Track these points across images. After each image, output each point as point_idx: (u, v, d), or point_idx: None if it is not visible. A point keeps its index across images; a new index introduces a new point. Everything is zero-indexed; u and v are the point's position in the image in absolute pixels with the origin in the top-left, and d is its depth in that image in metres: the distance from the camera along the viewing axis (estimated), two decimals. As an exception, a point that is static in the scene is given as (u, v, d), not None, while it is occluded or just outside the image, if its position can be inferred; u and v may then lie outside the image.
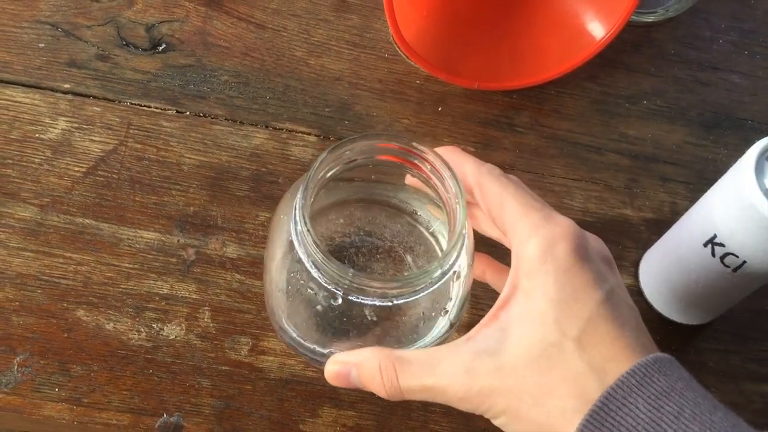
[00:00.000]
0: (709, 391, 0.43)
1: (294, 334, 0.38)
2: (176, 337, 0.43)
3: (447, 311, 0.38)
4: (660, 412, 0.28)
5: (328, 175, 0.37)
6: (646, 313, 0.46)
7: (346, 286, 0.33)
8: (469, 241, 0.37)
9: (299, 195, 0.34)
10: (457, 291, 0.38)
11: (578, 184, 0.50)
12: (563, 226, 0.32)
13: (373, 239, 0.43)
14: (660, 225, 0.48)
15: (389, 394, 0.32)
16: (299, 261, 0.35)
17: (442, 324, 0.38)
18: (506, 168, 0.49)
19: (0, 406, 0.40)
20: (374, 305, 0.35)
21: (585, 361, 0.29)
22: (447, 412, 0.42)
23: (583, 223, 0.47)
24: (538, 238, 0.31)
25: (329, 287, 0.34)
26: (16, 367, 0.41)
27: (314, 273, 0.34)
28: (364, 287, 0.33)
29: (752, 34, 0.57)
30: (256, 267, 0.45)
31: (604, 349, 0.29)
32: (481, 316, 0.44)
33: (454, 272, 0.36)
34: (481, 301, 0.45)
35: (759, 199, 0.35)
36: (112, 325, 0.43)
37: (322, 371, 0.41)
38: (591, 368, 0.29)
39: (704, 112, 0.53)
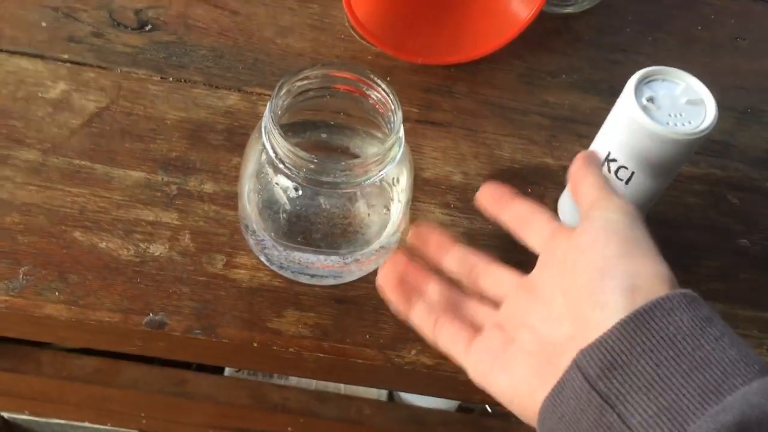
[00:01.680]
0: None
1: (262, 234, 0.46)
2: (160, 254, 0.49)
3: (389, 210, 0.45)
4: (702, 331, 0.32)
5: (287, 101, 0.45)
6: (563, 239, 0.54)
7: (306, 173, 0.41)
8: (407, 162, 0.46)
9: (269, 104, 0.42)
10: (397, 196, 0.46)
11: (507, 138, 0.58)
12: (620, 197, 0.40)
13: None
14: (575, 170, 0.56)
15: None
16: (267, 161, 0.42)
17: (385, 221, 0.46)
18: (446, 126, 0.58)
19: (7, 306, 0.46)
20: (329, 192, 0.42)
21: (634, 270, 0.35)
22: (393, 315, 0.49)
23: (512, 169, 0.56)
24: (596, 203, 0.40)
25: (292, 176, 0.41)
26: (21, 276, 0.47)
27: (279, 165, 0.42)
28: (322, 172, 0.41)
29: (656, 23, 0.67)
30: (229, 200, 0.52)
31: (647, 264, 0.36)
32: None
33: (393, 178, 0.45)
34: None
35: (637, 114, 0.44)
36: (104, 244, 0.49)
37: (286, 282, 0.49)
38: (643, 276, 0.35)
39: (614, 84, 0.62)
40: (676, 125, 0.44)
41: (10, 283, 0.47)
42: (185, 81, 0.57)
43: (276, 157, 0.42)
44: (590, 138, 0.58)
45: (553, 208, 0.55)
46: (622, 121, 0.45)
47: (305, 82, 0.45)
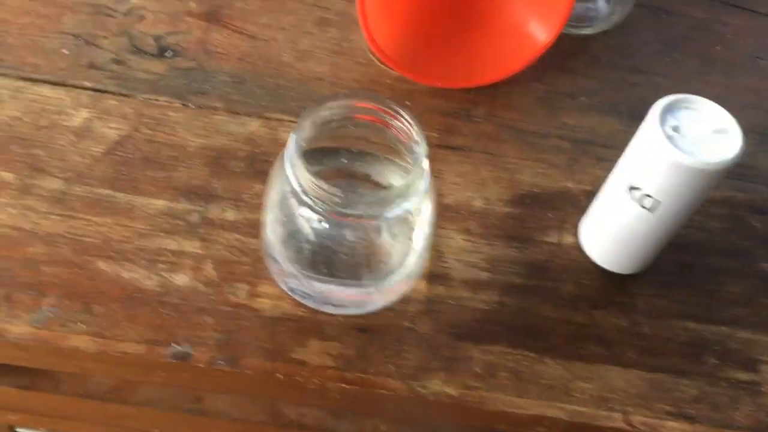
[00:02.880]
0: (640, 327, 0.51)
1: (285, 265, 0.46)
2: (183, 284, 0.50)
3: (412, 240, 0.46)
4: None
5: (312, 131, 0.45)
6: (585, 264, 0.54)
7: (330, 205, 0.41)
8: (432, 194, 0.46)
9: (292, 135, 0.42)
10: (421, 230, 0.46)
11: (527, 162, 0.58)
12: None
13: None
14: (596, 194, 0.56)
15: None
16: (291, 192, 0.42)
17: (408, 251, 0.46)
18: (465, 150, 0.58)
19: (31, 338, 0.47)
20: (354, 224, 0.42)
21: None
22: (417, 344, 0.49)
23: (532, 194, 0.56)
24: None
25: (316, 208, 0.42)
26: (45, 308, 0.48)
27: (303, 198, 0.42)
28: (346, 205, 0.41)
29: (674, 44, 0.67)
30: (251, 228, 0.52)
31: None
32: (446, 267, 0.52)
33: (417, 209, 0.45)
34: (444, 256, 0.53)
35: (663, 143, 0.44)
36: (128, 274, 0.50)
37: (309, 311, 0.49)
38: None
39: (633, 106, 0.62)
40: (702, 155, 0.44)
41: (34, 315, 0.47)
42: (206, 107, 0.58)
43: (300, 189, 0.42)
44: (610, 161, 0.58)
45: (574, 233, 0.55)
46: (647, 150, 0.45)
47: (328, 112, 0.45)
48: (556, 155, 0.59)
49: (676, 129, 0.45)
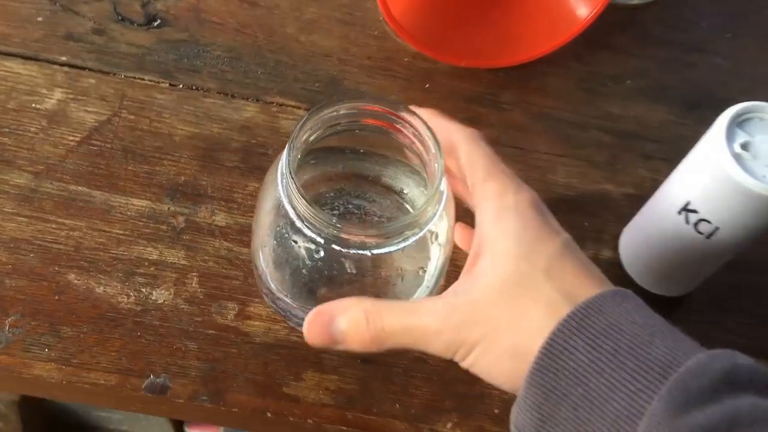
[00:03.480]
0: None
1: (279, 293, 0.40)
2: (164, 301, 0.44)
3: (425, 271, 0.39)
4: (598, 351, 0.29)
5: (313, 137, 0.38)
6: (624, 285, 0.46)
7: (328, 234, 0.34)
8: (449, 208, 0.39)
9: (285, 150, 0.35)
10: (436, 253, 0.39)
11: (561, 159, 0.51)
12: (526, 189, 0.34)
13: (360, 213, 0.44)
14: (640, 200, 0.48)
15: (372, 338, 0.33)
16: (284, 215, 0.36)
17: (419, 283, 0.39)
18: (492, 143, 0.51)
19: (-9, 364, 0.41)
20: (355, 255, 0.36)
21: (555, 288, 0.31)
22: (427, 378, 0.43)
23: (565, 198, 0.49)
24: (503, 195, 0.34)
25: (313, 236, 0.35)
26: (7, 328, 0.42)
27: (298, 224, 0.35)
28: (346, 235, 0.34)
29: (734, 17, 0.58)
30: (244, 235, 0.46)
31: (571, 279, 0.31)
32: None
33: (432, 232, 0.38)
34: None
35: (729, 163, 0.36)
36: (102, 288, 0.44)
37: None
38: (561, 293, 0.31)
39: (686, 91, 0.54)
40: (776, 182, 0.36)
41: (-5, 336, 0.42)
42: (197, 89, 0.51)
43: (295, 215, 0.36)
44: (658, 159, 0.50)
45: (613, 246, 0.48)
46: (710, 168, 0.38)
47: (332, 115, 0.38)
48: (596, 151, 0.51)
49: (745, 146, 0.37)
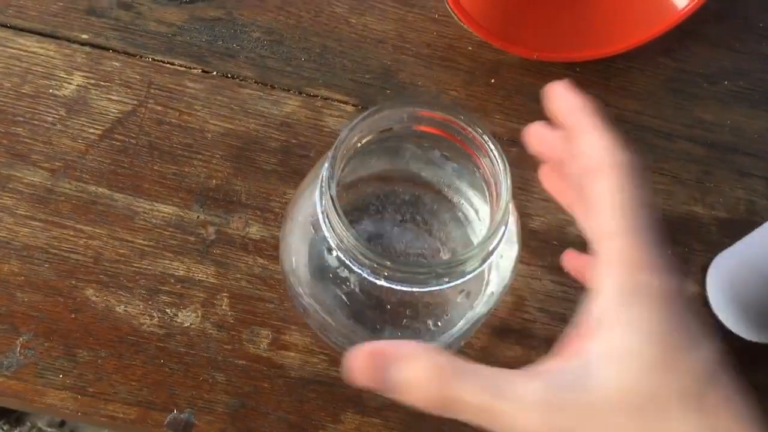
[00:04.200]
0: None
1: (312, 309, 0.35)
2: (191, 324, 0.39)
3: (475, 299, 0.34)
4: None
5: (360, 144, 0.32)
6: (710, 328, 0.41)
7: (384, 273, 0.29)
8: (512, 229, 0.33)
9: (327, 164, 0.30)
10: (494, 281, 0.34)
11: (644, 174, 0.44)
12: (675, 269, 0.26)
13: (409, 222, 0.39)
14: (734, 226, 0.42)
15: (437, 401, 0.26)
16: (322, 236, 0.31)
17: (465, 313, 0.34)
18: (564, 152, 0.44)
19: (0, 390, 0.37)
20: (400, 292, 0.30)
21: (702, 425, 0.24)
22: (482, 424, 0.38)
23: (646, 220, 0.42)
24: (641, 268, 0.25)
25: (352, 266, 0.30)
26: (18, 349, 0.38)
27: (340, 255, 0.30)
28: (401, 273, 0.29)
29: None
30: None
31: (724, 415, 0.24)
32: (526, 320, 0.40)
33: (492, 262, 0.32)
34: (527, 302, 0.41)
35: None
36: (122, 307, 0.39)
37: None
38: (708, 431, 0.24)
39: (793, 97, 0.47)
40: None
41: (5, 359, 0.38)
42: (232, 77, 0.45)
43: (333, 240, 0.30)
44: (758, 177, 0.44)
45: (699, 279, 0.42)
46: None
47: (383, 122, 0.32)
48: (684, 165, 0.45)
49: None
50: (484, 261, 0.30)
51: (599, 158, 0.27)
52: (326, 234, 0.31)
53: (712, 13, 0.48)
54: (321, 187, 0.31)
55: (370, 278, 0.30)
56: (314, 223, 0.32)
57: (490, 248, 0.30)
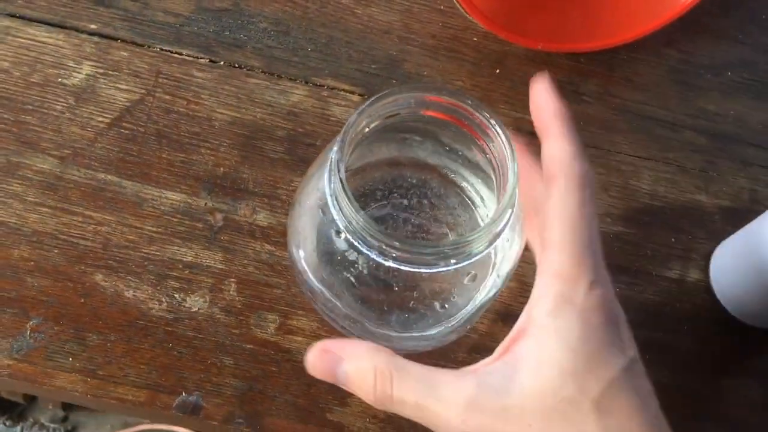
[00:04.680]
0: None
1: (320, 292, 0.35)
2: (199, 309, 0.40)
3: (482, 283, 0.34)
4: None
5: (368, 129, 0.33)
6: (714, 313, 0.41)
7: (393, 254, 0.30)
8: (519, 214, 0.34)
9: (336, 146, 0.30)
10: (499, 268, 0.34)
11: (648, 163, 0.45)
12: (602, 284, 0.28)
13: (417, 206, 0.39)
14: (737, 215, 0.43)
15: (377, 400, 0.29)
16: (331, 219, 0.31)
17: (472, 296, 0.34)
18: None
19: (10, 373, 0.38)
20: (408, 273, 0.31)
21: (601, 427, 0.26)
22: (487, 409, 0.39)
23: (650, 209, 0.43)
24: (573, 283, 0.27)
25: (360, 248, 0.30)
26: (28, 332, 0.38)
27: (351, 238, 0.30)
28: (399, 253, 0.29)
29: None
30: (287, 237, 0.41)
31: (622, 420, 0.26)
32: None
33: (496, 248, 0.33)
34: (530, 288, 0.41)
35: None
36: (131, 292, 0.40)
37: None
38: None
39: (796, 88, 0.47)
40: None
41: (15, 342, 0.38)
42: (240, 66, 0.45)
43: (342, 222, 0.31)
44: (761, 167, 0.44)
45: (703, 267, 0.42)
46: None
47: (391, 106, 0.33)
48: (689, 155, 0.45)
49: None
50: (490, 243, 0.31)
51: (558, 166, 0.29)
52: (335, 216, 0.31)
53: (716, 4, 0.49)
54: (330, 170, 0.31)
55: (379, 260, 0.30)
56: (323, 206, 0.33)
57: (497, 230, 0.30)
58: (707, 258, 0.42)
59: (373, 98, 0.31)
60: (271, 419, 0.38)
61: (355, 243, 0.31)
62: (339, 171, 0.30)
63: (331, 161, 0.31)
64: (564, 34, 0.46)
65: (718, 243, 0.42)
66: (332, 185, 0.31)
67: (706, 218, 0.43)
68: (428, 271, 0.31)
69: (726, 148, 0.45)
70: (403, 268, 0.30)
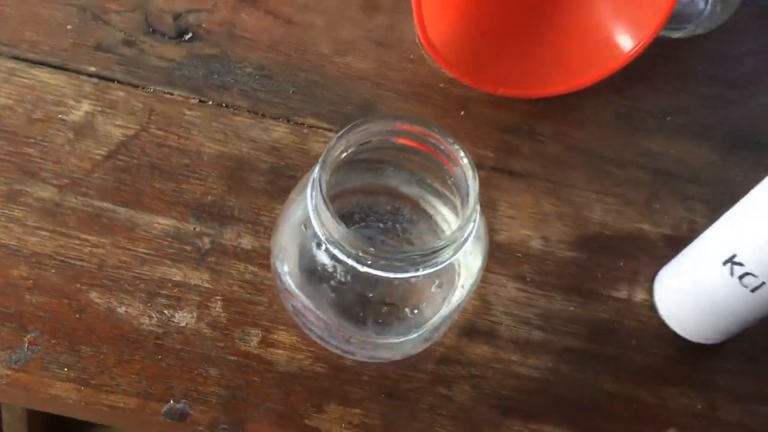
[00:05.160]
0: (718, 412, 0.43)
1: (308, 310, 0.39)
2: (187, 324, 0.43)
3: (448, 300, 0.38)
4: None
5: (345, 155, 0.37)
6: (658, 329, 0.46)
7: (355, 256, 0.33)
8: (481, 231, 0.38)
9: (317, 167, 0.34)
10: (463, 282, 0.38)
11: (598, 196, 0.49)
12: None
13: (390, 231, 0.43)
14: (678, 242, 0.47)
15: None
16: (313, 233, 0.35)
17: (438, 310, 0.38)
18: (526, 176, 0.49)
19: (8, 383, 0.40)
20: (384, 279, 0.35)
21: None
22: (453, 416, 0.42)
23: (600, 236, 0.48)
24: None
25: (338, 255, 0.34)
26: (26, 345, 0.41)
27: (331, 248, 0.34)
28: (373, 258, 0.33)
29: (782, 55, 0.56)
30: (270, 260, 0.45)
31: None
32: (493, 322, 0.44)
33: (461, 262, 0.37)
34: (493, 306, 0.45)
35: (782, 219, 0.35)
36: (123, 308, 0.43)
37: (329, 367, 0.42)
38: None
39: (729, 131, 0.53)
40: (831, 240, 0.35)
41: (13, 354, 0.41)
42: (226, 106, 0.49)
43: (324, 235, 0.35)
44: (697, 200, 0.49)
45: (648, 288, 0.46)
46: (759, 222, 0.36)
47: (364, 133, 0.37)
48: (634, 189, 0.50)
49: (800, 199, 0.36)
50: (455, 252, 0.35)
51: None
52: (316, 229, 0.35)
53: (655, 57, 0.54)
54: (312, 187, 0.35)
55: (356, 265, 0.34)
56: (305, 222, 0.37)
57: (461, 240, 0.34)
58: (651, 280, 0.46)
59: (350, 125, 0.36)
60: (253, 425, 0.40)
61: (335, 251, 0.34)
62: (321, 187, 0.34)
63: (312, 179, 0.35)
64: (522, 81, 0.52)
65: (661, 266, 0.46)
66: (314, 200, 0.35)
67: (650, 245, 0.48)
68: (400, 276, 0.34)
69: (667, 183, 0.50)
70: (377, 273, 0.34)
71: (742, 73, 0.55)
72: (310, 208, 0.35)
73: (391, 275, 0.34)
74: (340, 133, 0.35)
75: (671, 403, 0.44)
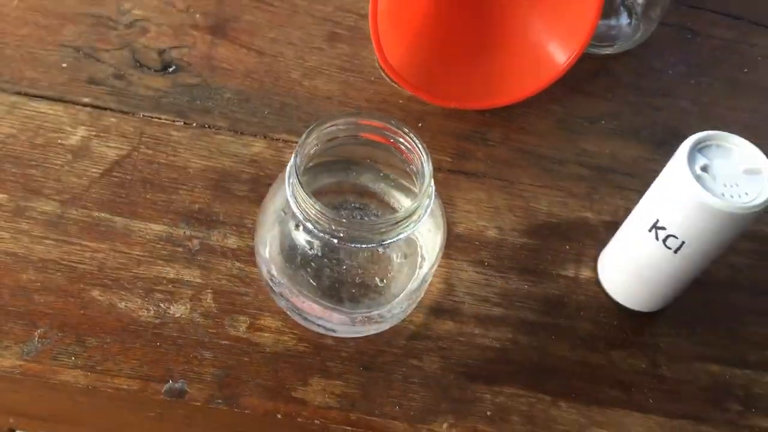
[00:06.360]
0: (661, 369, 0.48)
1: (282, 285, 0.44)
2: (181, 315, 0.47)
3: (416, 268, 0.43)
4: None
5: (314, 150, 0.42)
6: (603, 301, 0.51)
7: (329, 230, 0.39)
8: (437, 210, 0.43)
9: (293, 156, 0.40)
10: (426, 253, 0.44)
11: (544, 190, 0.56)
12: None
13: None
14: (616, 227, 0.53)
15: None
16: (291, 215, 0.40)
17: (409, 276, 0.44)
18: (479, 176, 0.56)
19: (21, 372, 0.44)
20: (355, 249, 0.40)
21: None
22: (424, 383, 0.47)
23: (548, 224, 0.54)
24: None
25: (315, 231, 0.39)
26: (36, 339, 0.45)
27: (309, 226, 0.39)
28: (345, 229, 0.39)
29: (698, 67, 0.64)
30: (253, 256, 0.50)
31: None
32: (456, 302, 0.49)
33: (422, 234, 0.42)
34: (455, 288, 0.50)
35: (691, 183, 0.41)
36: (123, 304, 0.47)
37: (312, 346, 0.47)
38: None
39: (655, 132, 0.60)
40: (732, 197, 0.41)
41: (24, 347, 0.45)
42: (209, 127, 0.55)
43: (300, 213, 0.40)
44: (631, 190, 0.55)
45: (592, 266, 0.52)
46: (674, 189, 0.42)
47: (333, 128, 0.43)
48: (575, 183, 0.56)
49: (705, 168, 0.42)
50: (415, 224, 0.40)
51: None
52: (295, 210, 0.40)
53: (588, 72, 0.62)
54: (288, 175, 0.41)
55: (330, 239, 0.40)
56: (284, 208, 0.42)
57: (420, 212, 0.40)
58: (595, 260, 0.52)
59: (318, 121, 0.41)
60: (245, 399, 0.45)
61: (311, 227, 0.40)
62: (297, 172, 0.39)
63: (289, 166, 0.40)
64: (471, 95, 0.58)
65: (603, 247, 0.52)
66: (291, 186, 0.40)
67: (592, 230, 0.54)
68: (368, 246, 0.40)
69: (604, 177, 0.57)
70: (349, 246, 0.40)
71: (664, 82, 0.63)
72: (288, 193, 0.41)
73: (362, 246, 0.40)
74: (310, 128, 0.41)
75: (619, 364, 0.49)
